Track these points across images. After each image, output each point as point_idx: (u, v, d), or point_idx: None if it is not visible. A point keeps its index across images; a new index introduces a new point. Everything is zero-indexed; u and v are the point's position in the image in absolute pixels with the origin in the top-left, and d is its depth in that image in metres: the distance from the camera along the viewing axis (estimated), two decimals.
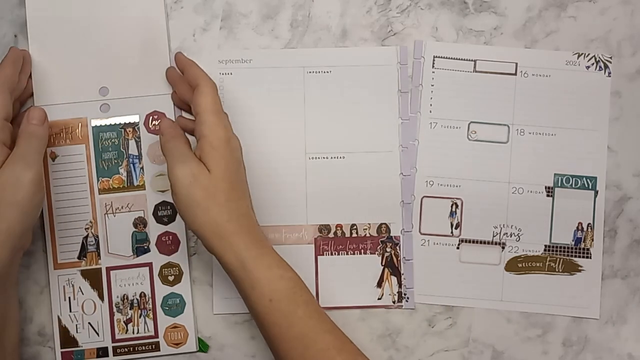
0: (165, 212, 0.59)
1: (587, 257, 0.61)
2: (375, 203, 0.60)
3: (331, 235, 0.60)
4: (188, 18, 0.61)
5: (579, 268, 0.61)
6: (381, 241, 0.60)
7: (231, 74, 0.60)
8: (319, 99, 0.60)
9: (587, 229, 0.61)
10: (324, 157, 0.60)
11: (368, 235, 0.60)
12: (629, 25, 0.62)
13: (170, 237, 0.59)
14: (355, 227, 0.60)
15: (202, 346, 0.60)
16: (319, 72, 0.60)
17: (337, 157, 0.60)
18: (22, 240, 0.52)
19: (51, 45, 0.59)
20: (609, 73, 0.61)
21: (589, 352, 0.61)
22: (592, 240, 0.61)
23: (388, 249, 0.60)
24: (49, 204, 0.59)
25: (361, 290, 0.60)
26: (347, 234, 0.60)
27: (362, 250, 0.60)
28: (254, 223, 0.53)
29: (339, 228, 0.60)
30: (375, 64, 0.61)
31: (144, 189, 0.59)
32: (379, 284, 0.60)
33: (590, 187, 0.61)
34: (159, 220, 0.59)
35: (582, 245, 0.61)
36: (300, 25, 0.61)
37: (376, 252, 0.60)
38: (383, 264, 0.60)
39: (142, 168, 0.59)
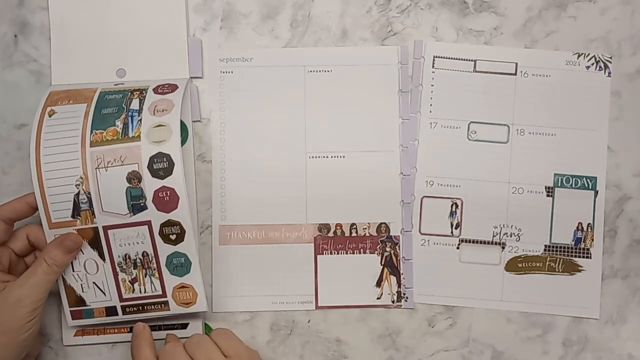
0: (161, 164, 0.53)
1: (587, 257, 0.61)
2: (375, 203, 0.60)
3: (331, 234, 0.60)
4: (188, 18, 0.61)
5: (579, 268, 0.61)
6: (381, 241, 0.60)
7: (232, 72, 0.60)
8: (319, 98, 0.60)
9: (587, 229, 0.61)
10: (324, 157, 0.60)
11: (368, 234, 0.60)
12: (629, 25, 0.62)
13: (168, 192, 0.54)
14: (354, 226, 0.60)
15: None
16: (320, 71, 0.60)
17: (337, 157, 0.60)
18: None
19: (71, 26, 0.60)
20: (609, 73, 0.61)
21: (589, 352, 0.61)
22: (592, 240, 0.61)
23: (387, 249, 0.60)
24: (37, 160, 0.54)
25: (360, 290, 0.60)
26: (347, 234, 0.60)
27: (362, 250, 0.60)
28: None
29: (338, 227, 0.60)
30: (375, 64, 0.61)
31: (139, 140, 0.54)
32: (378, 284, 0.60)
33: (590, 187, 0.61)
34: (154, 174, 0.53)
35: (582, 245, 0.61)
36: (300, 25, 0.61)
37: (376, 252, 0.60)
38: (382, 263, 0.60)
39: (140, 120, 0.55)
